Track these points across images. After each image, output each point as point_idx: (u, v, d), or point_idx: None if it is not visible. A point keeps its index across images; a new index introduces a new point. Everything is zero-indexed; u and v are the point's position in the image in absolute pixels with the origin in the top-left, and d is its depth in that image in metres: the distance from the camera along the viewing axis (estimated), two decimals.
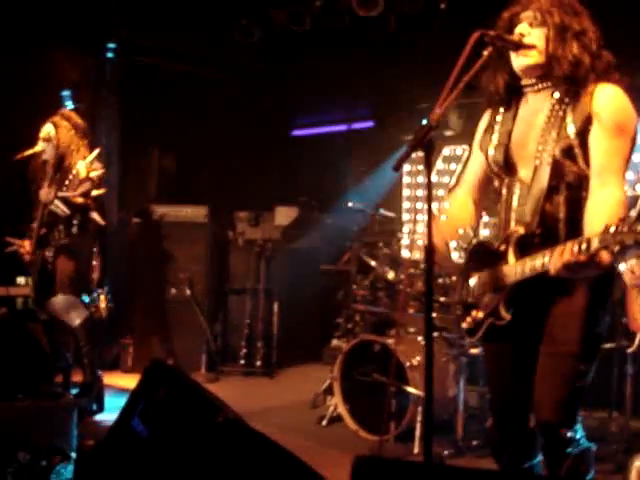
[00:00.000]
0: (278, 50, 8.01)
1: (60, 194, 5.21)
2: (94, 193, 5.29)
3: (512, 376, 2.90)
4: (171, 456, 2.19)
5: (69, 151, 5.37)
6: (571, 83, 2.68)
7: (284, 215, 7.78)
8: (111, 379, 6.33)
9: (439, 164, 7.76)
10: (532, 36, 2.72)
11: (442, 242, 2.99)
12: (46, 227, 5.38)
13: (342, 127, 9.12)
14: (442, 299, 5.21)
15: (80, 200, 5.21)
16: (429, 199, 2.43)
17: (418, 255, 5.54)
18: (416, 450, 4.67)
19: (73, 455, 3.72)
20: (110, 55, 7.75)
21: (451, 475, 1.99)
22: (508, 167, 2.87)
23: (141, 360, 7.01)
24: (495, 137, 2.92)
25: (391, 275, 5.65)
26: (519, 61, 2.76)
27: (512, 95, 2.90)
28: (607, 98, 2.65)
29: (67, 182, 5.23)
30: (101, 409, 5.45)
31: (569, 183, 2.70)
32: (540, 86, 2.79)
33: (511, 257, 2.74)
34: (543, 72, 2.75)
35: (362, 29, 7.12)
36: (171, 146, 8.10)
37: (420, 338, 5.08)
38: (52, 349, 5.57)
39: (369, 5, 6.63)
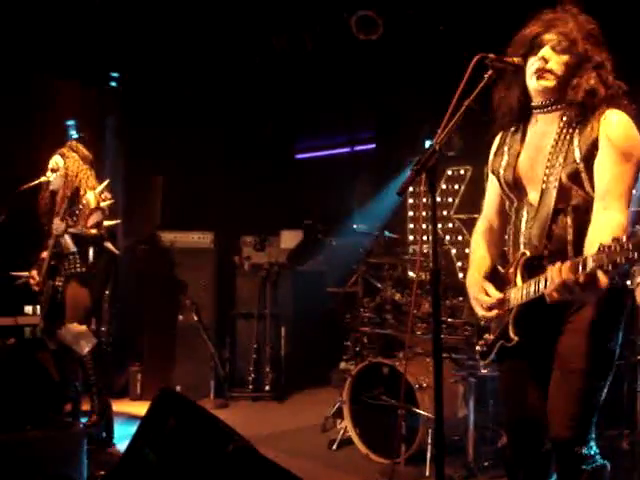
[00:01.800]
0: (279, 75, 8.05)
1: (71, 230, 5.21)
2: (106, 224, 5.31)
3: (527, 393, 2.89)
4: None
5: (78, 181, 5.40)
6: (582, 108, 2.71)
7: (289, 239, 7.80)
8: (120, 407, 6.32)
9: (442, 185, 7.77)
10: (553, 61, 2.75)
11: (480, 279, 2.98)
12: (56, 258, 5.40)
13: (345, 150, 9.16)
14: (449, 320, 5.21)
15: (93, 232, 5.23)
16: (434, 222, 2.44)
17: (424, 276, 5.53)
18: (427, 473, 4.65)
19: None
20: (113, 84, 7.81)
21: None
22: (518, 189, 2.90)
23: (149, 387, 7.01)
24: (505, 159, 2.94)
25: (397, 297, 5.66)
26: (534, 83, 2.78)
27: (522, 117, 2.93)
28: (614, 124, 2.67)
29: (77, 212, 5.24)
30: (111, 437, 5.44)
31: (576, 206, 2.72)
32: (551, 108, 2.81)
33: (519, 279, 2.76)
34: (556, 96, 2.78)
35: (363, 52, 7.16)
36: (176, 173, 8.13)
37: (428, 359, 5.07)
38: (61, 378, 5.58)
39: (369, 29, 6.68)
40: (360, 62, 7.41)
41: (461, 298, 5.49)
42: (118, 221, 5.56)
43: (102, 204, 5.22)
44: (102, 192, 5.28)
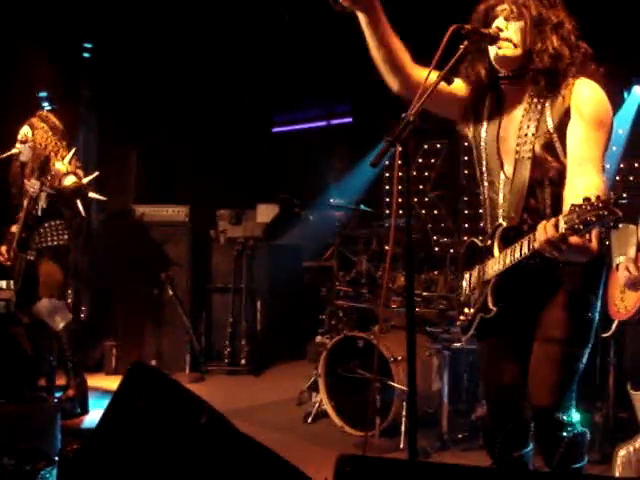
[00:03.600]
0: (255, 47, 7.97)
1: (47, 189, 5.15)
2: (87, 179, 5.28)
3: (506, 364, 2.91)
4: (154, 458, 2.18)
5: (47, 152, 5.33)
6: (551, 76, 2.68)
7: (265, 213, 7.77)
8: (95, 381, 6.30)
9: (419, 159, 7.77)
10: (509, 30, 2.71)
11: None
12: (27, 230, 5.34)
13: (322, 123, 9.12)
14: (424, 293, 5.22)
15: (71, 184, 5.17)
16: (408, 194, 2.42)
17: (398, 250, 5.53)
18: (402, 445, 4.68)
19: (56, 459, 3.70)
20: (86, 55, 7.70)
21: (435, 472, 1.99)
22: (497, 159, 2.87)
23: (125, 362, 6.98)
24: (484, 129, 2.92)
25: (373, 270, 5.66)
26: (496, 53, 2.75)
27: (491, 88, 2.90)
28: (586, 93, 2.65)
29: (49, 178, 5.17)
30: (85, 411, 5.42)
31: (552, 178, 2.71)
32: (517, 79, 2.78)
33: (496, 250, 2.76)
34: (520, 65, 2.75)
35: (339, 24, 7.10)
36: (150, 146, 8.05)
37: (404, 333, 5.08)
38: (35, 353, 5.54)
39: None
40: (337, 34, 7.35)
41: (436, 272, 5.50)
42: (96, 173, 5.50)
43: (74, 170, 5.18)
44: (70, 161, 5.23)
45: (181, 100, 8.13)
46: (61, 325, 5.34)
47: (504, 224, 2.78)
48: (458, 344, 4.79)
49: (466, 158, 7.74)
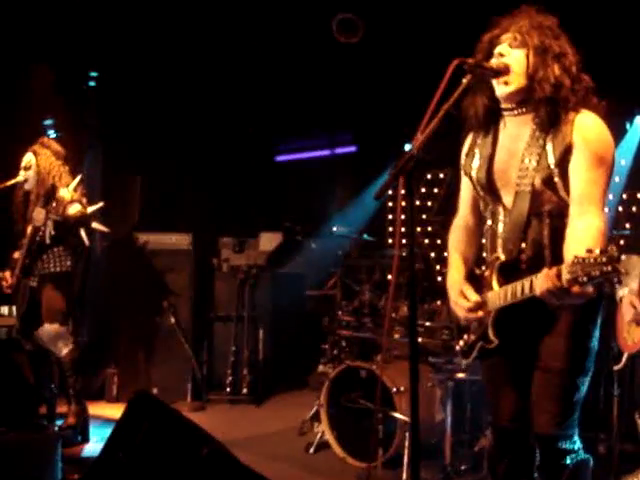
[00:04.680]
0: (260, 76, 8.03)
1: (52, 217, 5.17)
2: (91, 209, 5.29)
3: (512, 391, 2.92)
4: None
5: (50, 177, 5.36)
6: (552, 106, 2.69)
7: (268, 241, 7.77)
8: (96, 409, 6.26)
9: (422, 188, 7.79)
10: (511, 56, 2.74)
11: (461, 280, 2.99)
12: (30, 257, 5.36)
13: (325, 152, 9.16)
14: (427, 323, 5.21)
15: (76, 213, 5.18)
16: (412, 226, 2.43)
17: (402, 280, 5.53)
18: (404, 476, 4.64)
19: None
20: (92, 84, 7.75)
21: None
22: (492, 192, 2.89)
23: (126, 390, 6.95)
24: (476, 160, 2.94)
25: (376, 300, 5.65)
26: (501, 89, 2.78)
27: (492, 119, 2.92)
28: (587, 128, 2.67)
29: (54, 205, 5.19)
30: (86, 440, 5.40)
31: (550, 211, 2.73)
32: (520, 110, 2.80)
33: (495, 284, 2.77)
34: (524, 97, 2.77)
35: (343, 55, 7.17)
36: (154, 174, 8.09)
37: (406, 363, 5.06)
38: (37, 380, 5.53)
39: (349, 32, 6.68)
40: (341, 64, 7.42)
41: (439, 302, 5.49)
42: (101, 204, 5.53)
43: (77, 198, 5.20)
44: (76, 188, 5.25)
45: (185, 129, 8.18)
46: (64, 352, 5.34)
47: (502, 258, 2.80)
48: (461, 375, 4.77)
49: None
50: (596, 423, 4.92)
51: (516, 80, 2.74)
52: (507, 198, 2.84)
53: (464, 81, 2.65)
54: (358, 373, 5.06)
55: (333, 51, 7.13)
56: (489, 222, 2.95)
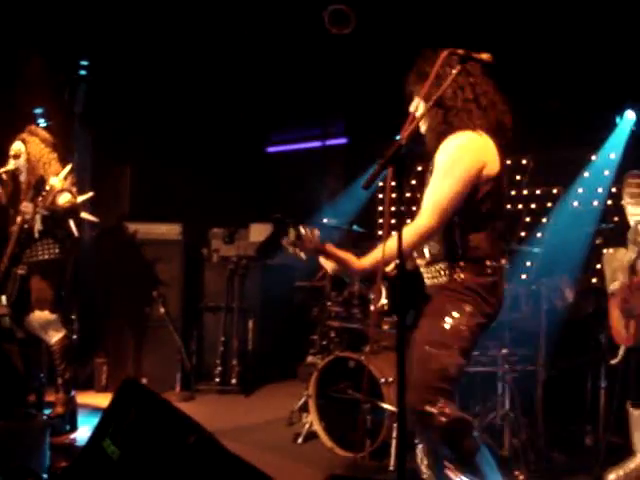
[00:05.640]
0: (250, 66, 8.02)
1: (41, 210, 5.16)
2: (81, 198, 5.28)
3: None
4: (143, 477, 2.17)
5: (40, 165, 5.35)
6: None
7: (258, 232, 7.78)
8: (85, 398, 6.27)
9: (412, 181, 7.79)
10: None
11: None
12: (19, 246, 5.34)
13: (316, 144, 9.14)
14: None
15: (65, 203, 5.17)
16: (402, 216, 2.44)
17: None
18: (392, 466, 4.66)
19: (45, 477, 3.68)
20: (83, 72, 7.71)
21: None
22: None
23: (115, 379, 6.96)
24: None
25: (365, 291, 5.65)
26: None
27: None
28: (442, 148, 2.96)
29: (41, 197, 5.17)
30: (74, 429, 5.40)
31: None
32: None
33: None
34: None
35: (335, 46, 7.16)
36: (144, 163, 8.07)
37: (394, 354, 5.06)
38: (26, 369, 5.52)
39: (341, 23, 6.67)
40: (332, 56, 7.40)
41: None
42: (91, 194, 5.51)
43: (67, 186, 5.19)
44: (66, 177, 5.23)
45: (175, 118, 8.15)
46: (54, 339, 5.34)
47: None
48: None
49: None
50: (583, 415, 4.95)
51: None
52: None
53: (454, 71, 2.66)
54: (347, 364, 5.08)
55: (325, 43, 7.12)
56: None
